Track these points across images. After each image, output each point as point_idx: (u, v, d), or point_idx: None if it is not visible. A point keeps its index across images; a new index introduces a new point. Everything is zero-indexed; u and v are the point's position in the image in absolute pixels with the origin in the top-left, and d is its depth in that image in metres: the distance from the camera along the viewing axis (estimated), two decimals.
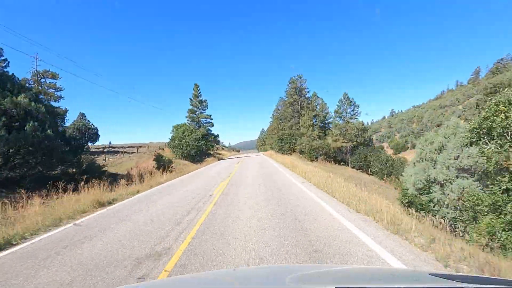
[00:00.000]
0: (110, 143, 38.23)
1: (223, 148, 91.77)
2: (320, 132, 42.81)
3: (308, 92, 46.52)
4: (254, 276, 1.59)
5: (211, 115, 37.67)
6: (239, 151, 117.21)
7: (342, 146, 30.00)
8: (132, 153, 31.99)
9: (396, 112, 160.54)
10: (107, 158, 26.32)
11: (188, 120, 35.96)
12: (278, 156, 28.11)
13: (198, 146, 26.99)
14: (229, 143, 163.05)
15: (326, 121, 50.00)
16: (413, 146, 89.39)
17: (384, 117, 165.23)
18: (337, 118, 31.81)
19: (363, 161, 28.38)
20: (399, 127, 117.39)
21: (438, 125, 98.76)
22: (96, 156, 26.63)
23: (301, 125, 44.15)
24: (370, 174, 27.42)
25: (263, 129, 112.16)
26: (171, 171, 18.72)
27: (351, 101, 30.29)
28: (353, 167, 29.64)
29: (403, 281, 1.26)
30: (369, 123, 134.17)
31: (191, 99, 36.51)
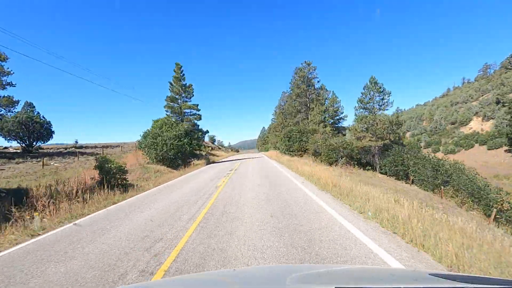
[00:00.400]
0: (76, 142, 31.11)
1: (219, 148, 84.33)
2: (332, 129, 35.96)
3: (318, 82, 39.55)
4: (254, 276, 1.56)
5: (198, 105, 28.76)
6: (238, 151, 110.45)
7: (369, 145, 22.99)
8: (97, 154, 25.05)
9: (401, 110, 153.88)
10: (53, 163, 19.32)
11: (167, 111, 27.03)
12: (289, 160, 21.01)
13: (179, 145, 19.87)
14: (229, 143, 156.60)
15: (338, 117, 43.14)
16: (427, 145, 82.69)
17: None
18: (361, 110, 24.70)
19: (400, 165, 21.35)
20: (408, 125, 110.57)
21: (453, 123, 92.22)
22: (36, 159, 19.65)
23: (310, 120, 37.15)
24: (410, 183, 20.40)
25: (264, 127, 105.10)
26: (123, 186, 11.68)
27: (380, 87, 23.22)
28: (384, 173, 22.61)
29: (403, 281, 1.23)
30: None
31: (171, 83, 26.94)
